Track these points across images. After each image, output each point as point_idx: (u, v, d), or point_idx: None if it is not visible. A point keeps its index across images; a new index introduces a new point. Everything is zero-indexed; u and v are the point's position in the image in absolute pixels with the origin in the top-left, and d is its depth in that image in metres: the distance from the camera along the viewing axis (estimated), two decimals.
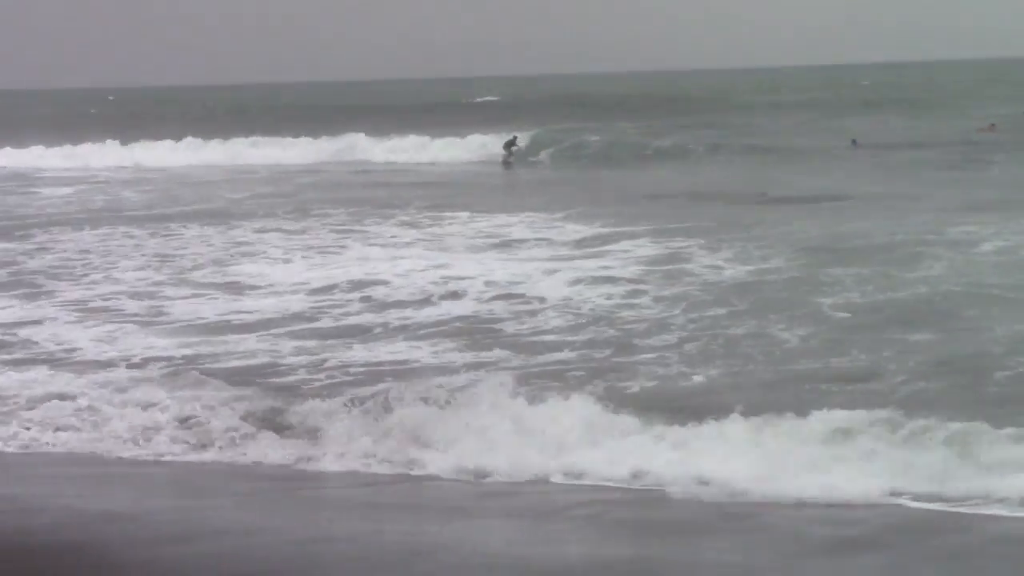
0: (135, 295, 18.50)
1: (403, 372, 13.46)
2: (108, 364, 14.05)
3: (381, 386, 12.40)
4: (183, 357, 14.38)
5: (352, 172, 44.06)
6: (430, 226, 25.96)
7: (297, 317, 16.54)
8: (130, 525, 8.80)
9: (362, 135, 51.56)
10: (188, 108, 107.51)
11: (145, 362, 14.16)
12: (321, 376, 13.45)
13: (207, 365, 13.96)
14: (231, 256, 22.38)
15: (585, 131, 49.87)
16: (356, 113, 79.31)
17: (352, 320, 16.37)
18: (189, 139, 54.37)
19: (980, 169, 35.67)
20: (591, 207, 28.17)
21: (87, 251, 23.30)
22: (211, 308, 17.38)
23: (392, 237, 24.33)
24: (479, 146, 47.30)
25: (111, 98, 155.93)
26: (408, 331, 15.52)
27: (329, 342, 15.04)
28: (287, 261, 21.48)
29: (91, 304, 17.90)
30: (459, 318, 16.25)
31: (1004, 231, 21.22)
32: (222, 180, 41.01)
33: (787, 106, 74.63)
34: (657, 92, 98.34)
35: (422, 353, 14.38)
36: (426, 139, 49.59)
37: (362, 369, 13.72)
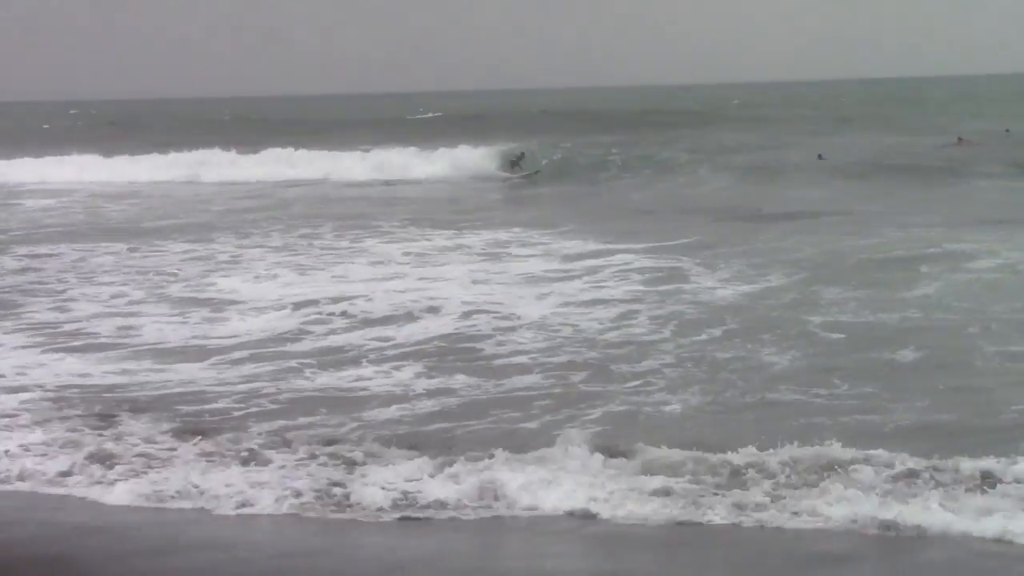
0: None
1: (346, 402, 12.91)
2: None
3: (279, 423, 11.94)
4: (103, 386, 13.68)
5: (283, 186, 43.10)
6: (414, 241, 25.49)
7: (270, 340, 15.99)
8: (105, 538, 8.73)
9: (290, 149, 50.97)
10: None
11: (59, 389, 13.47)
12: (246, 406, 12.78)
13: (135, 394, 13.29)
14: (211, 271, 21.80)
15: (558, 147, 48.60)
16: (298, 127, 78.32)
17: (322, 343, 15.79)
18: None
19: (957, 184, 36.05)
20: (581, 223, 27.96)
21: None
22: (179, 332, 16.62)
23: (375, 254, 23.85)
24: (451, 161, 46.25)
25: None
26: (376, 354, 15.00)
27: (290, 364, 14.51)
28: (264, 278, 20.94)
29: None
30: (435, 338, 15.74)
31: (999, 248, 21.16)
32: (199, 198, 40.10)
33: (766, 120, 75.03)
34: (634, 107, 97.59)
35: (381, 380, 13.82)
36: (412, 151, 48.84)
37: (298, 397, 13.10)
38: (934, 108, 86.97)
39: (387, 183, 43.36)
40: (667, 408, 12.30)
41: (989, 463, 9.77)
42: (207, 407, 12.68)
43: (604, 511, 9.35)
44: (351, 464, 10.50)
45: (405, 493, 9.72)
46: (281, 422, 11.99)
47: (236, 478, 10.10)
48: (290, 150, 50.60)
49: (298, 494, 9.73)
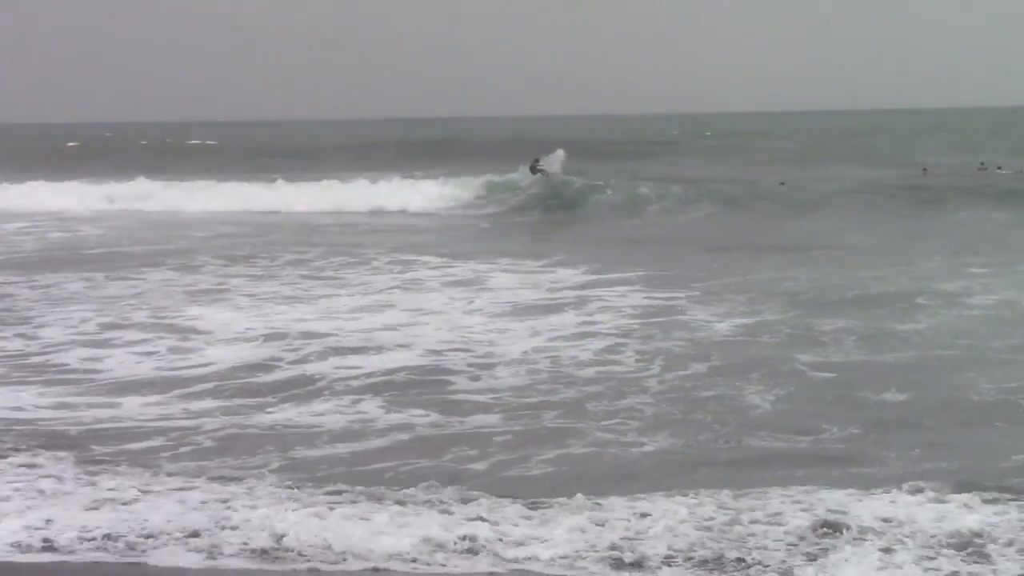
0: None
1: (291, 437, 12.30)
2: None
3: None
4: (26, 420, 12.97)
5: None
6: (398, 272, 24.88)
7: (238, 370, 15.32)
8: None
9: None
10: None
11: None
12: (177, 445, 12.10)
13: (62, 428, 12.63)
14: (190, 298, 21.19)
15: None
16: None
17: (287, 374, 15.16)
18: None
19: (939, 216, 36.52)
20: (570, 252, 27.78)
21: None
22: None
23: (356, 284, 23.22)
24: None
25: None
26: (341, 386, 14.42)
27: (241, 402, 13.81)
28: (242, 308, 20.22)
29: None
30: (404, 371, 15.11)
31: (993, 284, 21.07)
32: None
33: (741, 150, 75.75)
34: (608, 135, 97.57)
35: (337, 415, 13.18)
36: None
37: (240, 434, 12.45)
38: (906, 140, 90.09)
39: (373, 212, 42.72)
40: (633, 450, 11.71)
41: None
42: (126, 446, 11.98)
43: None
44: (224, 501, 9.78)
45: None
46: (198, 463, 11.35)
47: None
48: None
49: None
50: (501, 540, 8.84)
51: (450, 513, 9.43)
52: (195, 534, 8.99)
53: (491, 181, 44.78)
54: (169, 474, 10.77)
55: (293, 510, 9.38)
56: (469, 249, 29.13)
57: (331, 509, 9.50)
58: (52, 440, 12.03)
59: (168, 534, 8.97)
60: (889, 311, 18.55)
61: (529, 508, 9.55)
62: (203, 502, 9.75)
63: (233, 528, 9.10)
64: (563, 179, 43.48)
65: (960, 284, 21.12)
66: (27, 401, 13.76)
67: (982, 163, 54.30)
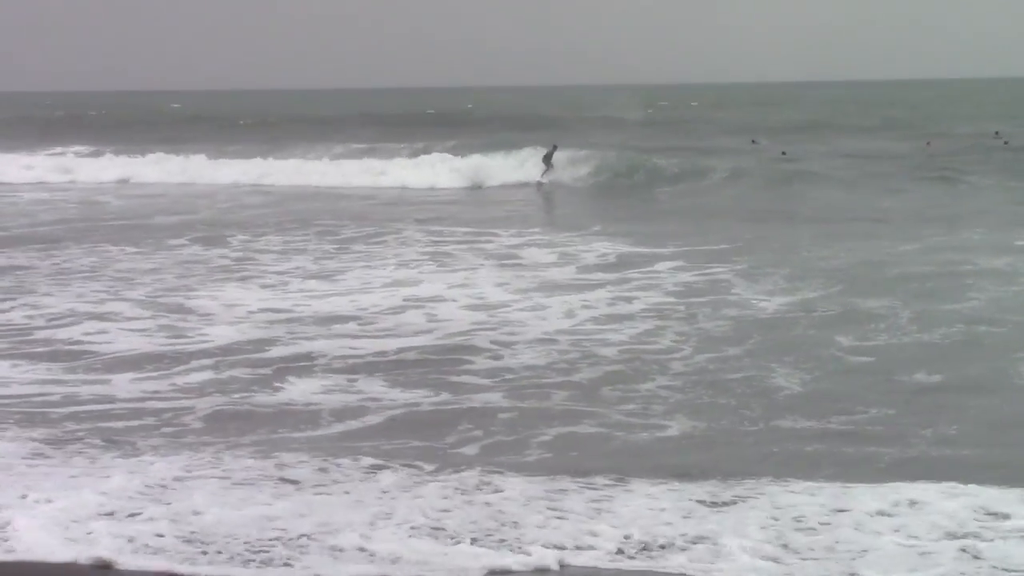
0: None
1: (285, 415, 11.91)
2: None
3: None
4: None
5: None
6: (429, 245, 24.45)
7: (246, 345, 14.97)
8: None
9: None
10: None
11: None
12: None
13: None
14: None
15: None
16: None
17: (295, 348, 14.74)
18: None
19: (961, 187, 35.98)
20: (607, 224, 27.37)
21: None
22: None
23: (386, 258, 22.74)
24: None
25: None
26: (354, 363, 14.00)
27: (248, 374, 13.51)
28: (273, 285, 19.71)
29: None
30: (422, 349, 14.68)
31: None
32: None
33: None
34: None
35: (341, 394, 12.69)
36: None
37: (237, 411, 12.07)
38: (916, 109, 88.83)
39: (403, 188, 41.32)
40: (643, 434, 11.13)
41: None
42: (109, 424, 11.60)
43: None
44: None
45: None
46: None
47: None
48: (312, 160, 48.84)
49: None
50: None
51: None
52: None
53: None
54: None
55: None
56: (505, 220, 28.88)
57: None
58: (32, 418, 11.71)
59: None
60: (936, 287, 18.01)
61: None
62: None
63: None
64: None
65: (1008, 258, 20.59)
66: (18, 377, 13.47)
67: (996, 133, 53.86)
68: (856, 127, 66.05)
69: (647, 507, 8.74)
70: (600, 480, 9.39)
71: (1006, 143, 49.44)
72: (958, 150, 46.17)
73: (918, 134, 55.59)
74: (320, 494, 9.07)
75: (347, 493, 9.09)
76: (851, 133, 60.08)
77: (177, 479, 9.43)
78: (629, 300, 17.51)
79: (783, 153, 46.12)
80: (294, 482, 9.36)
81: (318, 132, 63.26)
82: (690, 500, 8.88)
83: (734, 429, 11.15)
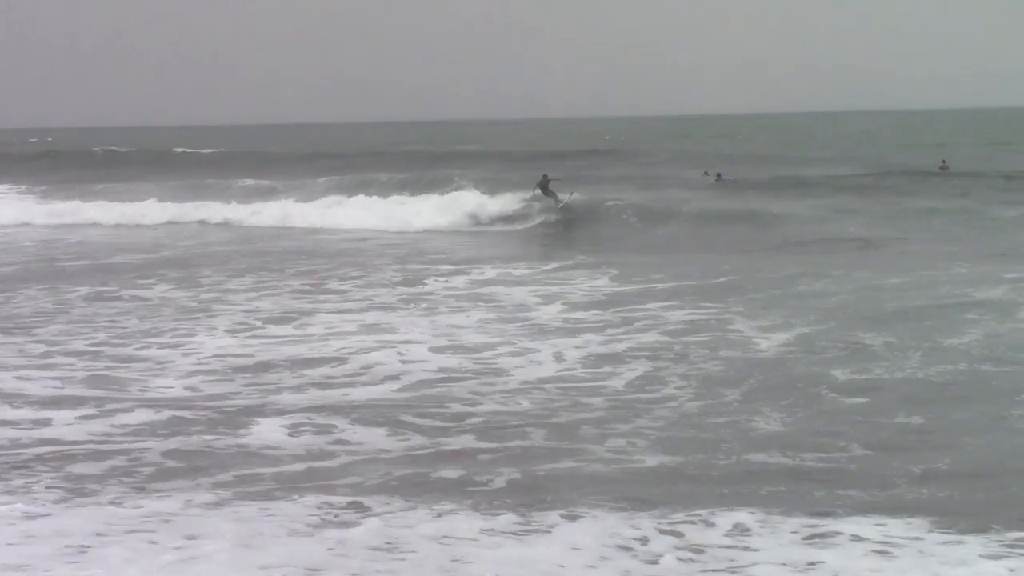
0: None
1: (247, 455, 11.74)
2: None
3: None
4: None
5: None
6: (408, 285, 24.12)
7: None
8: None
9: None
10: None
11: None
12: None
13: None
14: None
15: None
16: None
17: (257, 400, 14.41)
18: None
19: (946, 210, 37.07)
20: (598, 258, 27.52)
21: None
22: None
23: (364, 299, 22.22)
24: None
25: None
26: (329, 411, 13.54)
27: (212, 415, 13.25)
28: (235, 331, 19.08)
29: None
30: (399, 393, 14.48)
31: None
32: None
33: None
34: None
35: (304, 438, 12.49)
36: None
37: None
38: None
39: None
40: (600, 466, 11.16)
41: None
42: None
43: None
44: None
45: None
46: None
47: None
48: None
49: None
50: None
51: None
52: None
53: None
54: None
55: None
56: (490, 256, 28.82)
57: None
58: None
59: None
60: (934, 323, 17.84)
61: None
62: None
63: None
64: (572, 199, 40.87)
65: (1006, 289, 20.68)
66: None
67: (944, 161, 57.01)
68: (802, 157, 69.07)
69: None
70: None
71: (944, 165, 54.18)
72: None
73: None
74: None
75: None
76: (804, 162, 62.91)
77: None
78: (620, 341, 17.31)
79: (718, 176, 49.29)
80: None
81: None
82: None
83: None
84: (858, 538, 8.94)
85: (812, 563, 8.47)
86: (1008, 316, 18.13)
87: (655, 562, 8.62)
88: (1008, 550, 8.65)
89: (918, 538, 8.93)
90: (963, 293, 20.34)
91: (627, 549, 8.86)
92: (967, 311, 18.55)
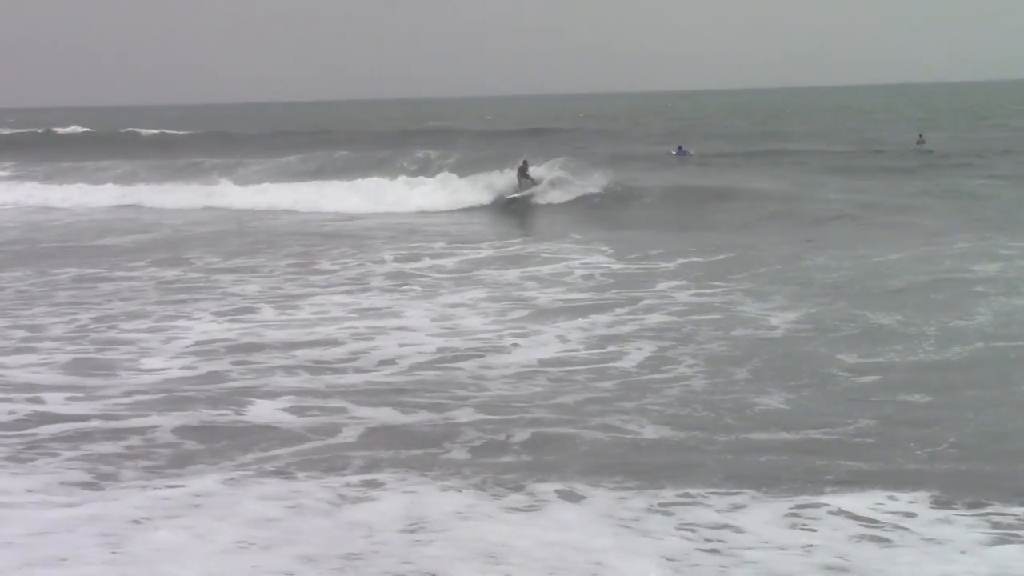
0: None
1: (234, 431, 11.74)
2: None
3: None
4: None
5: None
6: (405, 263, 24.10)
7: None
8: None
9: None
10: None
11: None
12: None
13: None
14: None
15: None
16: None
17: (254, 382, 14.20)
18: None
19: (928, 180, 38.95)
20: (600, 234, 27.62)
21: None
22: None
23: (361, 281, 22.08)
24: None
25: None
26: (324, 391, 13.55)
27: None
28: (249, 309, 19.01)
29: None
30: (404, 372, 14.44)
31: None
32: None
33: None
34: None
35: (312, 416, 12.45)
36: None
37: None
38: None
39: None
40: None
41: None
42: None
43: None
44: None
45: None
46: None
47: None
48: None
49: None
50: None
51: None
52: None
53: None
54: None
55: None
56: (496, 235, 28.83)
57: None
58: None
59: None
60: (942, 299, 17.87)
61: None
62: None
63: None
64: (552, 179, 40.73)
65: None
66: None
67: (920, 136, 59.47)
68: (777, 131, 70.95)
69: None
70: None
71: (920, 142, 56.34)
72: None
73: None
74: None
75: None
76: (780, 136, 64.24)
77: None
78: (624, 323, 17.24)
79: (679, 148, 52.58)
80: None
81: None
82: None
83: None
84: (852, 515, 8.93)
85: (807, 545, 8.42)
86: (1015, 292, 18.20)
87: (661, 539, 8.56)
88: (1007, 530, 8.61)
89: (913, 514, 8.93)
90: (965, 268, 20.58)
91: (626, 528, 8.79)
92: (972, 286, 18.71)
